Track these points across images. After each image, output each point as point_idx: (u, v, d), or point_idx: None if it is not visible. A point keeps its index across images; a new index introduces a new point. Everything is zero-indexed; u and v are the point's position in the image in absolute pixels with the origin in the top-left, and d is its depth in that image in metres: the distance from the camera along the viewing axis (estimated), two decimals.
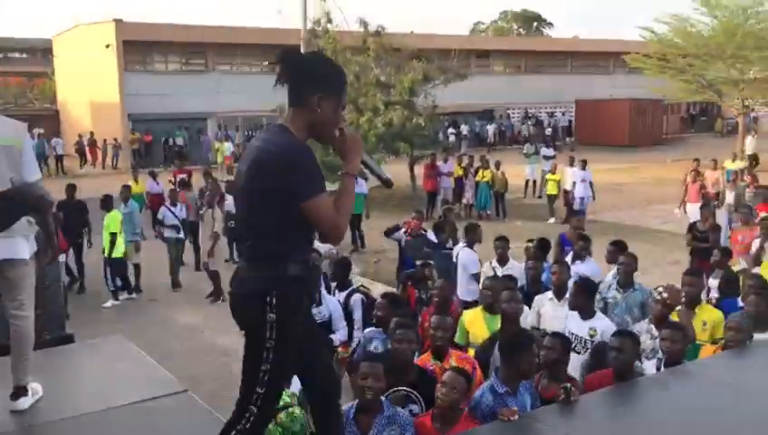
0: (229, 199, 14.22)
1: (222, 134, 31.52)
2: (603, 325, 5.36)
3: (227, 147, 27.84)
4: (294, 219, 2.61)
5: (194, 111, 32.02)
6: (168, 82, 32.04)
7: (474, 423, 3.69)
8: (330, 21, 19.57)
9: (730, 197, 14.49)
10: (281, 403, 4.31)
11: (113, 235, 11.02)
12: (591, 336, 5.29)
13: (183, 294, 12.05)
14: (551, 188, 17.70)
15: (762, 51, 26.70)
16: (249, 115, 32.65)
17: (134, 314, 10.79)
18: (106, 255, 11.16)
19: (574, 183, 16.74)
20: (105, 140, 30.99)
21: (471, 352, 5.23)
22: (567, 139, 37.52)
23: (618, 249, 7.15)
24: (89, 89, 33.23)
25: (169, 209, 12.67)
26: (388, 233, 10.34)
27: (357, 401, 3.82)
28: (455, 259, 8.53)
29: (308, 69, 2.71)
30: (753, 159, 23.61)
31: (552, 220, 16.83)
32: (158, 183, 16.51)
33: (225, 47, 33.76)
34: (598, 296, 6.18)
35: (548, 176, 18.16)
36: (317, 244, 10.09)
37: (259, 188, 2.63)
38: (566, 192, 17.14)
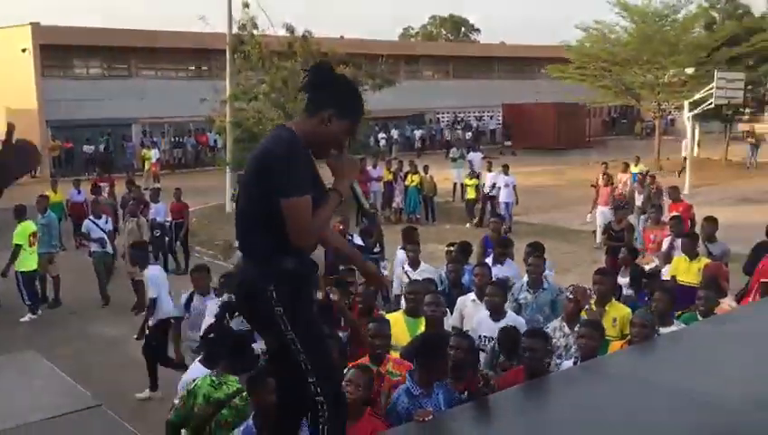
0: (153, 208, 13.99)
1: (147, 141, 30.79)
2: (514, 324, 5.52)
3: (153, 154, 27.20)
4: (278, 216, 2.68)
5: (117, 117, 31.14)
6: (89, 87, 31.07)
7: (377, 420, 3.76)
8: (255, 26, 19.41)
9: (639, 199, 14.76)
10: (235, 388, 4.46)
11: (18, 247, 10.60)
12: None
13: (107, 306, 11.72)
14: (469, 193, 18.00)
15: (675, 56, 28.01)
16: (176, 121, 32.00)
17: (53, 328, 10.42)
18: (16, 268, 10.76)
19: (499, 188, 16.98)
20: None
21: (395, 354, 5.30)
22: (506, 143, 37.94)
23: (534, 250, 7.37)
24: (4, 95, 31.87)
25: (94, 222, 12.08)
26: None
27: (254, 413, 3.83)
28: (382, 263, 8.62)
29: (332, 86, 2.87)
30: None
31: (468, 225, 17.04)
32: (79, 192, 16.01)
33: (150, 52, 33.00)
34: (510, 298, 6.38)
35: (465, 181, 18.42)
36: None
37: (254, 183, 2.72)
38: (486, 195, 17.41)
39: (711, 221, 8.64)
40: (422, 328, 5.42)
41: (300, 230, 2.67)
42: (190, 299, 7.22)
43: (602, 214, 14.16)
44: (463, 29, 69.39)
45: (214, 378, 4.55)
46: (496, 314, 5.76)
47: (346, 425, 2.90)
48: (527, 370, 4.32)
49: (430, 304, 5.40)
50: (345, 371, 3.95)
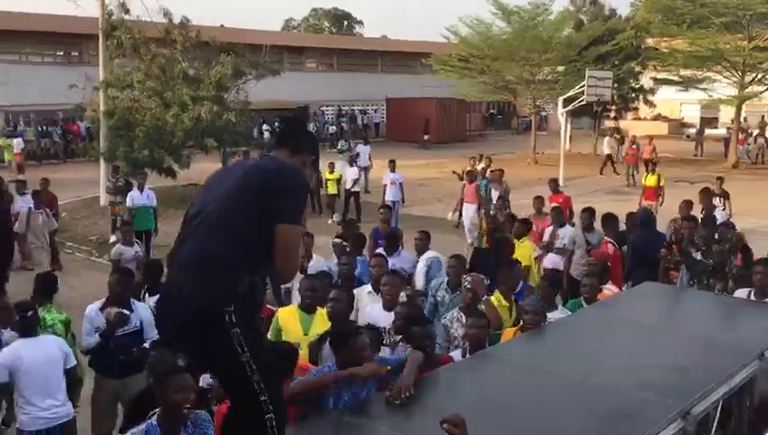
0: (21, 200, 12.96)
1: (9, 129, 28.60)
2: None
3: (16, 143, 25.30)
4: (263, 236, 2.62)
5: None
6: None
7: None
8: (126, 11, 18.44)
9: (495, 195, 13.83)
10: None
11: None
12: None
13: None
14: (330, 188, 17.36)
15: (548, 54, 29.37)
16: (42, 109, 29.96)
17: None
18: None
19: (385, 185, 16.62)
20: None
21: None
22: (425, 136, 37.52)
23: (426, 237, 7.66)
24: None
25: None
26: None
27: (159, 410, 3.61)
28: None
29: (311, 137, 3.25)
30: (608, 159, 25.73)
31: (330, 221, 16.28)
32: None
33: (13, 34, 30.65)
34: (429, 294, 6.39)
35: (326, 175, 17.33)
36: (122, 248, 9.48)
37: (254, 197, 2.65)
38: (348, 191, 16.94)
39: (589, 212, 9.06)
40: (317, 323, 5.29)
41: (289, 259, 2.68)
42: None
43: (467, 211, 13.73)
44: (346, 22, 69.42)
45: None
46: (391, 304, 5.73)
47: None
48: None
49: (334, 299, 5.28)
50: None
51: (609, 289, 6.68)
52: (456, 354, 4.95)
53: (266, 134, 33.48)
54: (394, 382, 3.70)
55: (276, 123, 33.93)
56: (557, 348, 4.83)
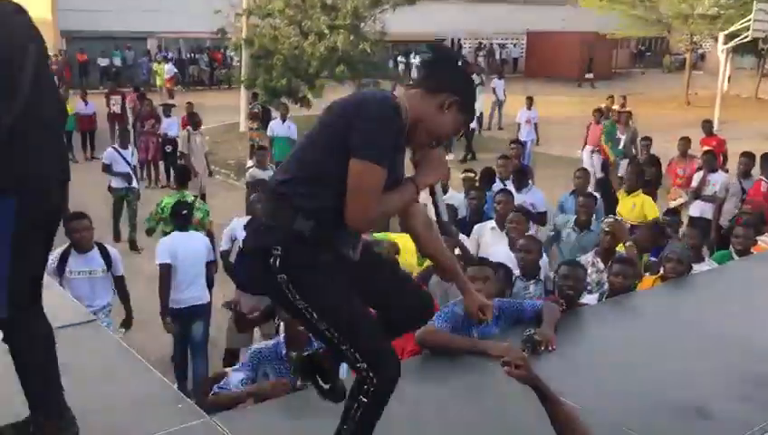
0: (165, 122, 13.65)
1: (161, 55, 30.13)
2: None
3: (167, 69, 26.62)
4: (340, 176, 2.22)
5: (132, 30, 30.41)
6: None
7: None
8: None
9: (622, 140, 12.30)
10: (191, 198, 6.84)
11: None
12: None
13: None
14: None
15: None
16: (190, 36, 31.23)
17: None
18: None
19: (519, 124, 15.92)
20: None
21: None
22: (587, 75, 35.62)
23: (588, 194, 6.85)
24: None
25: (119, 152, 9.93)
26: None
27: (283, 335, 3.67)
28: None
29: (459, 73, 2.47)
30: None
31: (451, 156, 15.55)
32: (86, 104, 15.67)
33: None
34: (550, 226, 6.06)
35: None
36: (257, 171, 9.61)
37: (331, 122, 2.31)
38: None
39: (748, 156, 8.17)
40: None
41: (359, 202, 2.21)
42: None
43: (588, 153, 12.58)
44: None
45: (176, 193, 7.25)
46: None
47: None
48: (561, 298, 4.05)
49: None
50: None
51: (766, 241, 6.01)
52: (591, 299, 4.62)
53: (401, 66, 33.18)
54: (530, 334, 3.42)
55: (413, 55, 33.59)
56: (702, 301, 4.40)
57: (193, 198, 7.29)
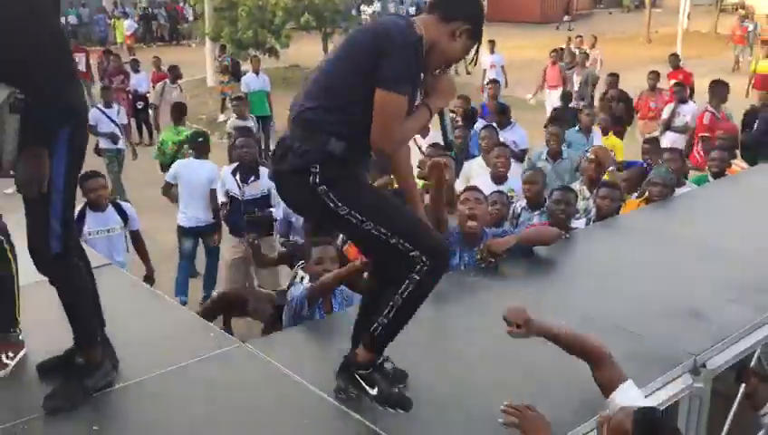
0: (135, 78, 13.45)
1: (119, 11, 29.28)
2: (518, 184, 5.46)
3: (126, 24, 25.92)
4: (364, 101, 2.38)
5: None
6: None
7: None
8: None
9: (576, 81, 12.76)
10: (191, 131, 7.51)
11: None
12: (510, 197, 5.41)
13: None
14: None
15: None
16: None
17: None
18: None
19: (484, 70, 15.62)
20: None
21: None
22: (565, 17, 35.34)
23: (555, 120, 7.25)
24: None
25: (103, 112, 9.33)
26: None
27: (310, 285, 3.62)
28: None
29: (472, 1, 2.61)
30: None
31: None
32: None
33: None
34: (527, 163, 6.29)
35: None
36: (237, 121, 9.54)
37: (351, 54, 2.45)
38: None
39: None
40: None
41: (384, 129, 2.39)
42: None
43: (550, 97, 12.68)
44: None
45: (173, 129, 8.05)
46: (500, 177, 5.71)
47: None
48: (554, 223, 4.26)
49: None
50: None
51: (738, 164, 6.32)
52: (579, 223, 4.86)
53: (364, 15, 32.73)
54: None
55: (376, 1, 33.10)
56: (685, 220, 4.67)
57: (190, 131, 7.74)
